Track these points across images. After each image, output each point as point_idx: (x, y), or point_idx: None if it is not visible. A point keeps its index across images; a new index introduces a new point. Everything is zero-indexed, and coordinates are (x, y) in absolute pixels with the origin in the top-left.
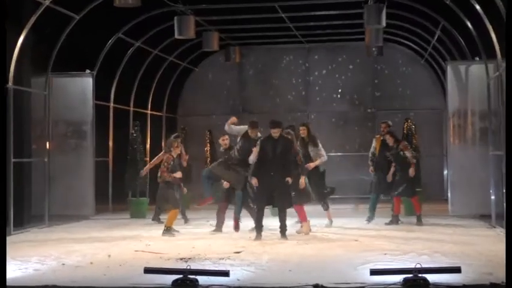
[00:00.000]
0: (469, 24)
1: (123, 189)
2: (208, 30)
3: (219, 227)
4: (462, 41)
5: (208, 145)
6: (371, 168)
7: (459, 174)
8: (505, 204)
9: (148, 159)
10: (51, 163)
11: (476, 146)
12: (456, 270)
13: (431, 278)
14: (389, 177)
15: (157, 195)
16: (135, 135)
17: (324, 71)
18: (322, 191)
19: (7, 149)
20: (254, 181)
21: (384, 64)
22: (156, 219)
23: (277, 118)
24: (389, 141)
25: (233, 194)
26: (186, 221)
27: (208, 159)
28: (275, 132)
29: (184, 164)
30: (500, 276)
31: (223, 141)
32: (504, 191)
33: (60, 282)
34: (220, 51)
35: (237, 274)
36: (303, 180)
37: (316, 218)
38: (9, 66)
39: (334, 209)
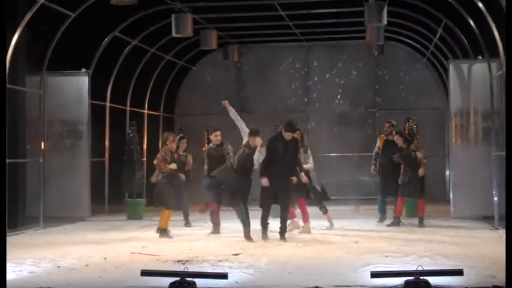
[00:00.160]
0: (471, 22)
1: (120, 190)
2: (206, 28)
3: (216, 229)
4: (464, 39)
5: (206, 145)
6: (372, 167)
7: (461, 175)
8: (505, 205)
9: (145, 159)
10: (46, 163)
11: (479, 146)
12: (458, 272)
13: (433, 280)
14: (401, 180)
15: (155, 193)
16: (131, 135)
17: (324, 70)
18: (317, 191)
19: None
20: (265, 181)
21: (385, 63)
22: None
23: (277, 118)
24: (399, 141)
25: (224, 196)
26: (187, 224)
27: (206, 160)
28: (288, 136)
29: (189, 167)
30: (503, 279)
31: (215, 137)
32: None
33: (56, 285)
34: (218, 50)
35: (235, 277)
36: (304, 176)
37: (316, 220)
38: None
39: (335, 210)
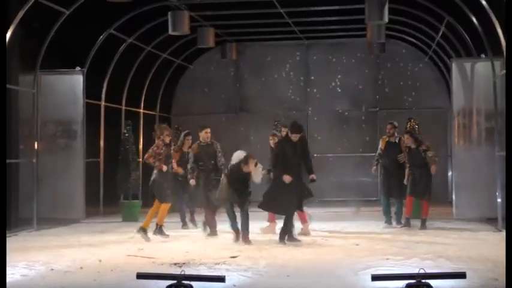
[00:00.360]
0: (474, 19)
1: (115, 191)
2: (204, 26)
3: (213, 231)
4: (467, 37)
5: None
6: (373, 168)
7: (464, 175)
8: (505, 206)
9: (140, 160)
10: (39, 164)
11: (482, 146)
12: (461, 275)
13: (435, 283)
14: (408, 180)
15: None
16: (127, 135)
17: (324, 69)
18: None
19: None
20: (288, 178)
21: (386, 61)
22: (184, 224)
23: (277, 118)
24: (409, 141)
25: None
26: (184, 226)
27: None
28: (295, 137)
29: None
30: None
31: (206, 134)
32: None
33: None
34: (216, 48)
35: (233, 279)
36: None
37: (316, 222)
38: None
39: (335, 211)
